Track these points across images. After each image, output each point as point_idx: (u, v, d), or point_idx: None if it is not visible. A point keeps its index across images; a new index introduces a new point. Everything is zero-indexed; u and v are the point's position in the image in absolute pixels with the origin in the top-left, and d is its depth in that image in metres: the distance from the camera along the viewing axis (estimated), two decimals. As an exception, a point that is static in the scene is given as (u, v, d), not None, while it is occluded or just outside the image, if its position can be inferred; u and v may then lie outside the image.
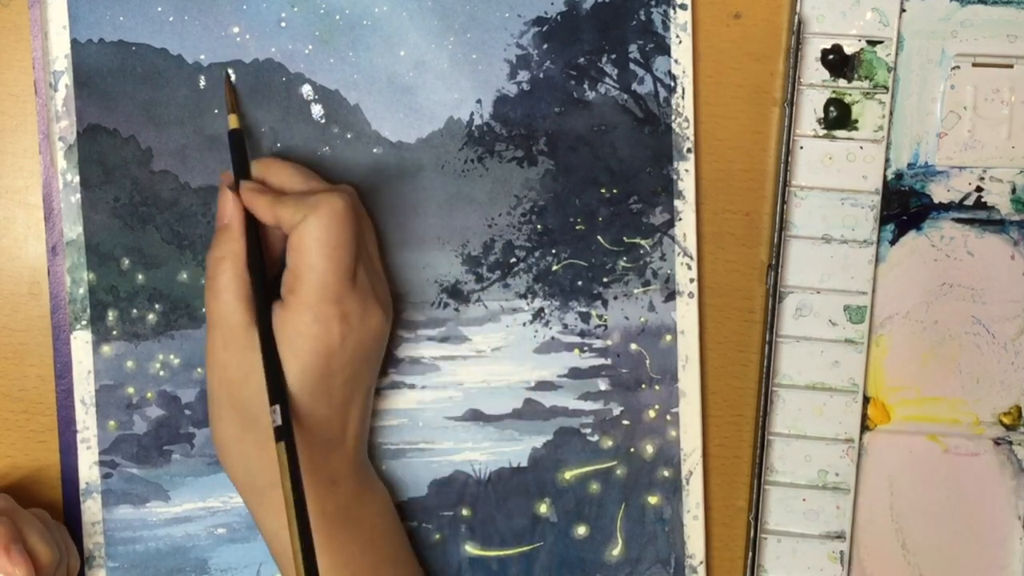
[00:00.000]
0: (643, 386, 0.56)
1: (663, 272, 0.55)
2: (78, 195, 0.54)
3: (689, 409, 0.55)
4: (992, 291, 0.55)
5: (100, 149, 0.54)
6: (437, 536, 0.56)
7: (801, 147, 0.55)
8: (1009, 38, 0.55)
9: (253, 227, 0.50)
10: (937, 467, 0.56)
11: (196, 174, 0.55)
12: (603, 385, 0.56)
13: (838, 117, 0.54)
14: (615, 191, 0.55)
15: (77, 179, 0.54)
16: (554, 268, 0.56)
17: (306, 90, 0.55)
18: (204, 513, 0.55)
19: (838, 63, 0.54)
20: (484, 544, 0.56)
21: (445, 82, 0.55)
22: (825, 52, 0.55)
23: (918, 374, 0.55)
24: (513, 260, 0.55)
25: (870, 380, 0.56)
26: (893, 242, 0.55)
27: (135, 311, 0.55)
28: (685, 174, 0.55)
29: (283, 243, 0.50)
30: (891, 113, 0.55)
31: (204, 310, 0.55)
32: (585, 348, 0.56)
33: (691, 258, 0.55)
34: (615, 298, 0.55)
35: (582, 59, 0.55)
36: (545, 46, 0.55)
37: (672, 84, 0.55)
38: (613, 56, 0.55)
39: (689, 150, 0.55)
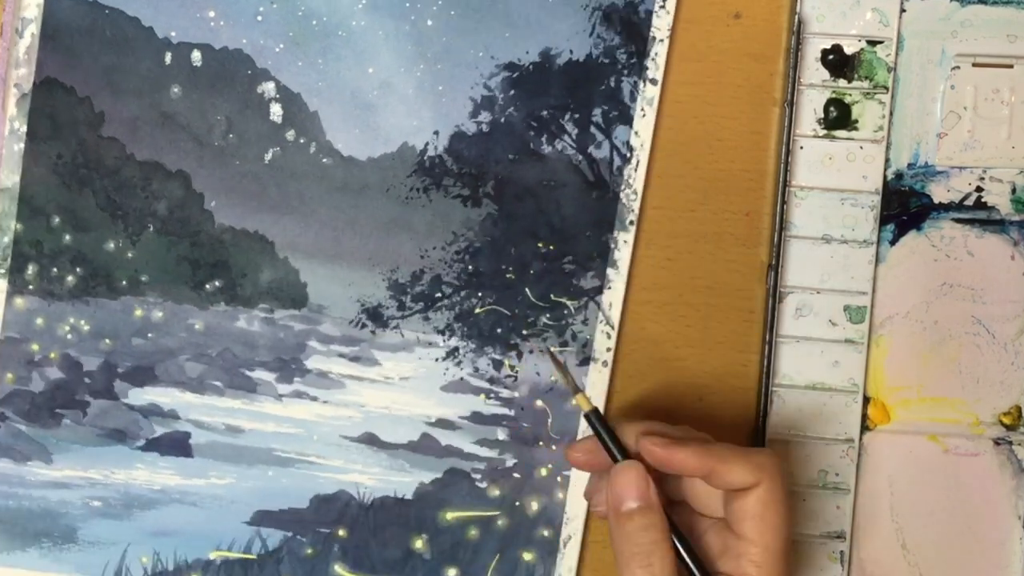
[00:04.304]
0: (540, 443, 0.56)
1: (582, 336, 0.56)
2: (22, 145, 0.54)
3: (581, 475, 0.56)
4: (992, 291, 0.55)
5: (53, 104, 0.54)
6: (309, 551, 0.56)
7: (801, 147, 0.55)
8: (1009, 38, 0.55)
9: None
10: (937, 467, 0.56)
11: (143, 147, 0.55)
12: (502, 435, 0.56)
13: (838, 117, 0.55)
14: (551, 247, 0.55)
15: (24, 129, 0.54)
16: (476, 311, 0.56)
17: (269, 87, 0.55)
18: (83, 483, 0.55)
19: (838, 63, 0.55)
20: (354, 567, 0.56)
21: (407, 107, 0.55)
22: (825, 52, 0.55)
23: (918, 374, 0.56)
24: (439, 295, 0.56)
25: (870, 380, 0.56)
26: (893, 242, 0.55)
27: (55, 270, 0.55)
28: (623, 245, 0.55)
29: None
30: (891, 113, 0.55)
31: (124, 282, 0.55)
32: (491, 395, 0.56)
33: (612, 328, 0.55)
34: (531, 352, 0.56)
35: (545, 112, 0.55)
36: (512, 92, 0.55)
37: (628, 155, 0.55)
38: (576, 116, 0.55)
39: (632, 222, 0.55)
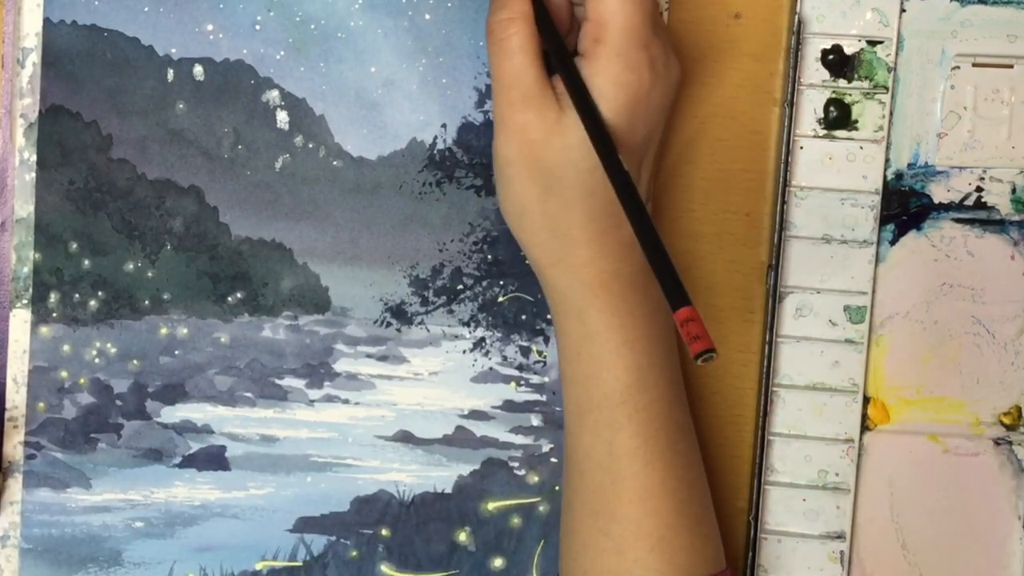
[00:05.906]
0: (575, 426, 0.56)
1: (607, 315, 0.55)
2: (33, 174, 0.54)
3: (618, 454, 0.55)
4: (992, 291, 0.55)
5: (60, 131, 0.54)
6: (354, 553, 0.56)
7: (801, 147, 0.55)
8: (1009, 38, 0.55)
9: None
10: (937, 467, 0.56)
11: (154, 166, 0.55)
12: (536, 421, 0.56)
13: (838, 117, 0.55)
14: (569, 230, 0.55)
15: (34, 158, 0.54)
16: (500, 299, 0.56)
17: (273, 95, 0.55)
18: (124, 505, 0.55)
19: (838, 63, 0.55)
20: (400, 566, 0.56)
21: (412, 103, 0.55)
22: (825, 52, 0.55)
23: (918, 374, 0.56)
24: (460, 287, 0.56)
25: (870, 380, 0.56)
26: (893, 242, 0.55)
27: (77, 296, 0.55)
28: (640, 221, 0.55)
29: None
30: (891, 113, 0.55)
31: (147, 302, 0.55)
32: (522, 382, 0.56)
33: (636, 305, 0.55)
34: None
35: (551, 96, 0.55)
36: (516, 78, 0.55)
37: (637, 131, 0.55)
38: (582, 96, 0.55)
39: (647, 200, 0.55)
